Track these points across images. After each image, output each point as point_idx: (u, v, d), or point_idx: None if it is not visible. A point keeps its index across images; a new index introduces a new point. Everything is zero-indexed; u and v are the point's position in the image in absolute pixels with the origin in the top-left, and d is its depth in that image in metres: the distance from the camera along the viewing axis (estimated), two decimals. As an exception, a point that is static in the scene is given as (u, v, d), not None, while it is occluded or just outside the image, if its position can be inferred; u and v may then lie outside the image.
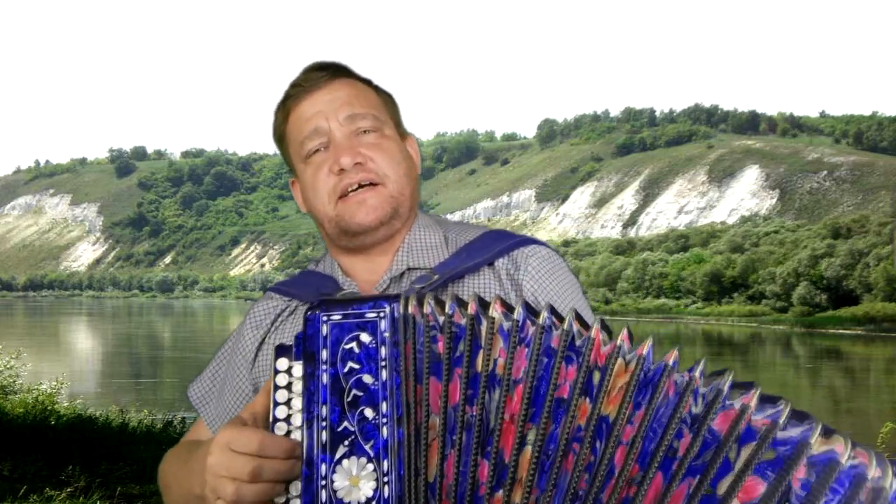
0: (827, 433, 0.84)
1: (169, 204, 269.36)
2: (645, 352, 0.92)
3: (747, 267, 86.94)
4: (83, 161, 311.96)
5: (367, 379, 0.98)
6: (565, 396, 0.93)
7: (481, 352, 0.97)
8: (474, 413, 0.96)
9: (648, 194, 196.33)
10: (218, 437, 1.05)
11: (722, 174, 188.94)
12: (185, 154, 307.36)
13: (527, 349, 0.96)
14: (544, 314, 0.96)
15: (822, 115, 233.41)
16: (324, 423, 0.98)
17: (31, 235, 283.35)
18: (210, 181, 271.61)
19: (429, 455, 0.97)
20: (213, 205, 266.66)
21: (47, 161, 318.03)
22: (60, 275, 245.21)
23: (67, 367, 25.70)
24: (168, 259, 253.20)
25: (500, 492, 0.95)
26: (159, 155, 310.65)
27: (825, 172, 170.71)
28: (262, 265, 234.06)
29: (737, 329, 73.97)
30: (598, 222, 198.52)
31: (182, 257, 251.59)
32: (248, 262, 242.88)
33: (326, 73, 1.36)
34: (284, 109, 1.38)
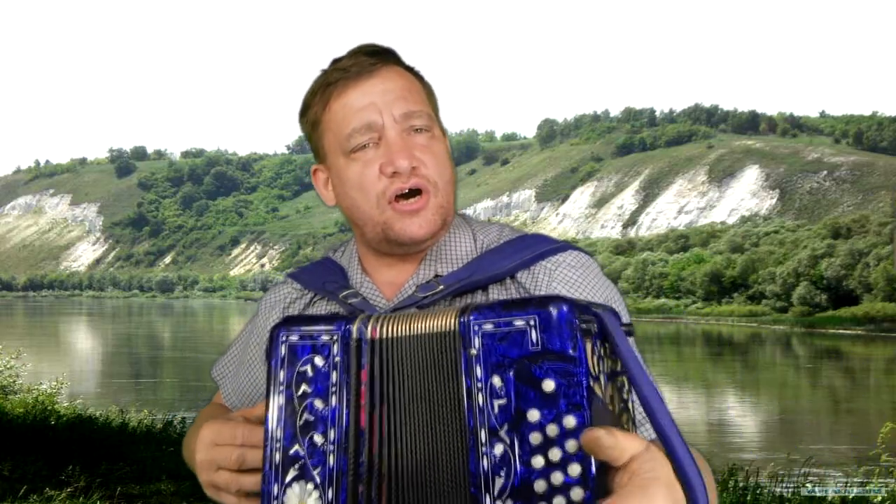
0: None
1: (169, 204, 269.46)
2: (378, 335, 0.99)
3: (747, 267, 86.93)
4: (83, 161, 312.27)
5: (319, 404, 0.98)
6: (363, 402, 0.98)
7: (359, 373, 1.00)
8: (365, 437, 0.98)
9: (648, 194, 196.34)
10: (202, 434, 1.08)
11: (722, 174, 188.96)
12: (185, 154, 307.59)
13: (365, 361, 1.00)
14: (356, 325, 1.00)
15: (822, 115, 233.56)
16: (277, 445, 0.99)
17: (31, 235, 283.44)
18: (210, 181, 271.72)
19: (382, 486, 0.97)
20: (213, 205, 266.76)
21: (47, 161, 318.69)
22: (60, 275, 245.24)
23: (67, 367, 25.73)
24: (168, 259, 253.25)
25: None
26: (159, 155, 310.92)
27: (825, 172, 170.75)
28: (262, 265, 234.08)
29: (737, 329, 73.98)
30: (598, 222, 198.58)
31: (182, 257, 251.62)
32: (248, 262, 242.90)
33: (377, 59, 1.23)
34: (325, 94, 1.24)
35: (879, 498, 6.62)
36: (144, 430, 10.12)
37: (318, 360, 0.99)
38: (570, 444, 0.84)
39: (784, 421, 26.33)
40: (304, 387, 0.99)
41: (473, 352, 0.90)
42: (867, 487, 7.15)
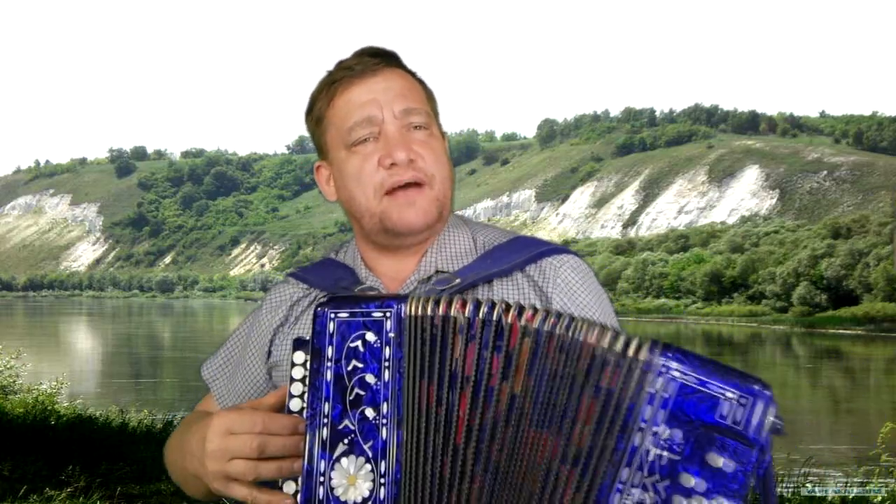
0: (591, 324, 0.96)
1: (169, 204, 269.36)
2: (536, 324, 0.96)
3: (747, 267, 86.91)
4: (83, 161, 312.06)
5: (370, 378, 0.99)
6: (494, 385, 0.97)
7: (448, 352, 0.99)
8: (441, 413, 0.99)
9: (648, 194, 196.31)
10: (214, 423, 1.06)
11: (722, 174, 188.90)
12: (185, 154, 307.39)
13: (474, 344, 0.98)
14: (484, 308, 0.99)
15: (822, 115, 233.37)
16: (325, 420, 0.99)
17: (31, 235, 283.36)
18: (210, 181, 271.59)
19: (417, 457, 0.99)
20: (213, 205, 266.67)
21: (47, 161, 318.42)
22: (60, 275, 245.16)
23: (67, 367, 25.69)
24: (168, 259, 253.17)
25: (456, 487, 0.98)
26: (159, 155, 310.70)
27: (825, 172, 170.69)
28: (262, 265, 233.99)
29: (737, 329, 73.96)
30: (598, 222, 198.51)
31: (182, 257, 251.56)
32: (248, 262, 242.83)
33: (380, 59, 1.30)
34: (330, 91, 1.30)
35: (879, 498, 6.61)
36: (144, 430, 10.11)
37: (370, 336, 1.00)
38: None
39: (784, 421, 26.26)
40: (354, 362, 0.99)
41: (659, 393, 0.89)
42: (867, 487, 7.14)
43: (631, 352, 0.91)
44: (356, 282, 1.30)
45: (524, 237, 1.34)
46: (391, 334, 1.00)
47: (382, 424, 0.97)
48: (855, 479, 7.77)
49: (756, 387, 0.86)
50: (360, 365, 0.99)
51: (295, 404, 1.03)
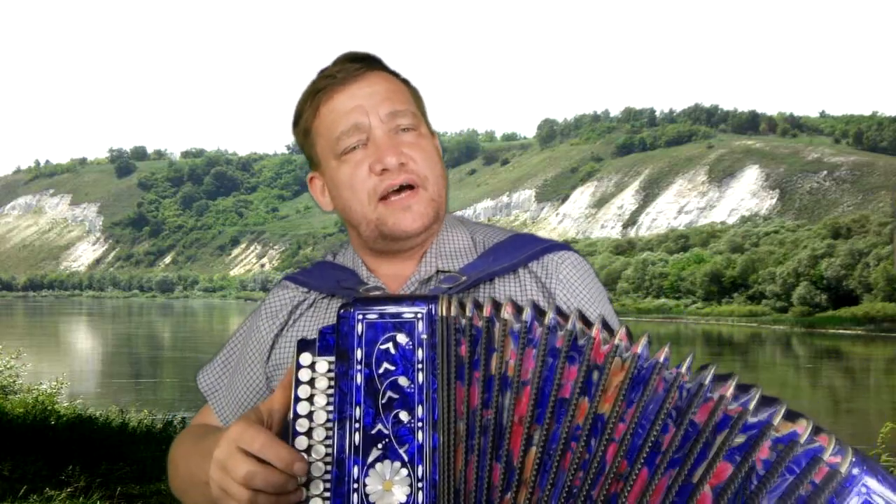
0: (791, 416, 0.88)
1: (169, 204, 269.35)
2: (640, 350, 0.93)
3: (747, 267, 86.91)
4: (83, 161, 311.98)
5: (403, 381, 0.97)
6: (567, 396, 0.94)
7: (495, 354, 0.96)
8: (489, 416, 0.95)
9: (648, 194, 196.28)
10: (230, 430, 1.01)
11: (722, 174, 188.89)
12: (185, 154, 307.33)
13: (534, 350, 0.95)
14: (550, 315, 0.96)
15: (822, 115, 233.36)
16: (357, 425, 0.96)
17: (31, 235, 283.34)
18: (210, 181, 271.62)
19: (455, 461, 0.96)
20: (213, 205, 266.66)
21: (47, 161, 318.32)
22: (60, 275, 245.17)
23: (67, 367, 25.70)
24: (168, 259, 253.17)
25: (509, 494, 0.95)
26: (159, 155, 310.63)
27: (825, 172, 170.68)
28: (262, 265, 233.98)
29: (737, 329, 73.96)
30: (598, 222, 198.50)
31: (182, 257, 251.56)
32: (248, 262, 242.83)
33: (362, 64, 1.27)
34: (314, 101, 1.28)
35: (879, 498, 6.60)
36: (144, 430, 10.11)
37: (402, 338, 0.98)
38: None
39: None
40: (385, 365, 0.97)
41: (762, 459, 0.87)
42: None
43: (803, 439, 0.87)
44: (359, 282, 1.27)
45: (522, 235, 1.33)
46: (423, 336, 0.97)
47: (418, 428, 0.95)
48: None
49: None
50: (392, 367, 0.97)
51: (302, 408, 1.00)
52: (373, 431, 0.96)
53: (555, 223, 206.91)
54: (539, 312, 0.97)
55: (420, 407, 0.96)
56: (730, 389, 0.89)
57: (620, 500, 0.90)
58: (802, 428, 0.86)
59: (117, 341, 61.19)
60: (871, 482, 0.83)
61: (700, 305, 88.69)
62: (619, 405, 0.92)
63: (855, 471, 0.83)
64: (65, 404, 11.86)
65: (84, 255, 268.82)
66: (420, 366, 0.97)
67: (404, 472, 0.95)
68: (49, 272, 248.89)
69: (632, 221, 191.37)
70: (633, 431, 0.91)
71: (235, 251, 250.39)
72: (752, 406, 0.88)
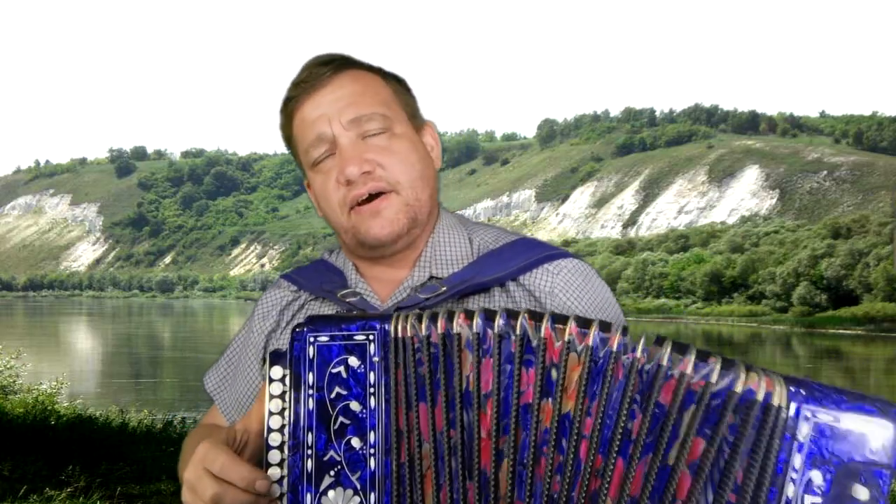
0: (749, 369, 0.89)
1: (169, 204, 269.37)
2: (591, 342, 0.91)
3: (747, 267, 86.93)
4: (83, 161, 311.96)
5: (355, 406, 0.94)
6: (530, 401, 0.92)
7: (455, 370, 0.94)
8: (456, 436, 0.93)
9: (648, 194, 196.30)
10: (197, 451, 1.01)
11: (722, 174, 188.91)
12: (185, 154, 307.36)
13: (491, 360, 0.93)
14: (499, 321, 0.93)
15: (822, 115, 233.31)
16: (309, 452, 0.94)
17: (31, 235, 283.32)
18: (210, 181, 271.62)
19: (424, 486, 0.94)
20: (213, 205, 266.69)
21: (47, 161, 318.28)
22: (60, 275, 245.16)
23: (67, 367, 25.70)
24: (168, 259, 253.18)
25: None
26: (159, 155, 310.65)
27: (825, 172, 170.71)
28: (262, 265, 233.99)
29: (737, 329, 73.98)
30: (598, 222, 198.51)
31: (182, 257, 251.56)
32: (248, 262, 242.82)
33: (329, 67, 1.23)
34: (287, 111, 1.26)
35: (879, 498, 6.60)
36: (144, 430, 10.10)
37: (353, 361, 0.95)
38: None
39: None
40: (337, 389, 0.95)
41: (800, 439, 0.85)
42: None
43: (760, 395, 0.86)
44: (341, 286, 1.25)
45: (523, 240, 1.27)
46: (375, 358, 0.95)
47: (370, 455, 0.93)
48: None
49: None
50: (344, 392, 0.94)
51: (275, 422, 0.99)
52: (325, 458, 0.94)
53: (555, 223, 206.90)
54: (489, 317, 0.94)
55: (372, 433, 0.94)
56: (689, 365, 0.89)
57: (601, 496, 0.89)
58: (756, 383, 0.87)
59: (117, 341, 61.20)
60: (812, 407, 0.84)
61: (700, 305, 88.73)
62: (583, 400, 0.90)
63: (794, 404, 0.85)
64: (65, 404, 11.85)
65: (84, 255, 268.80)
66: (372, 390, 0.94)
67: (357, 499, 0.93)
68: (49, 272, 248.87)
69: (632, 221, 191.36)
70: (602, 424, 0.89)
71: (235, 251, 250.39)
72: (714, 378, 0.88)
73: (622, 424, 0.89)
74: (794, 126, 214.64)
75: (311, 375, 0.95)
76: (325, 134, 1.21)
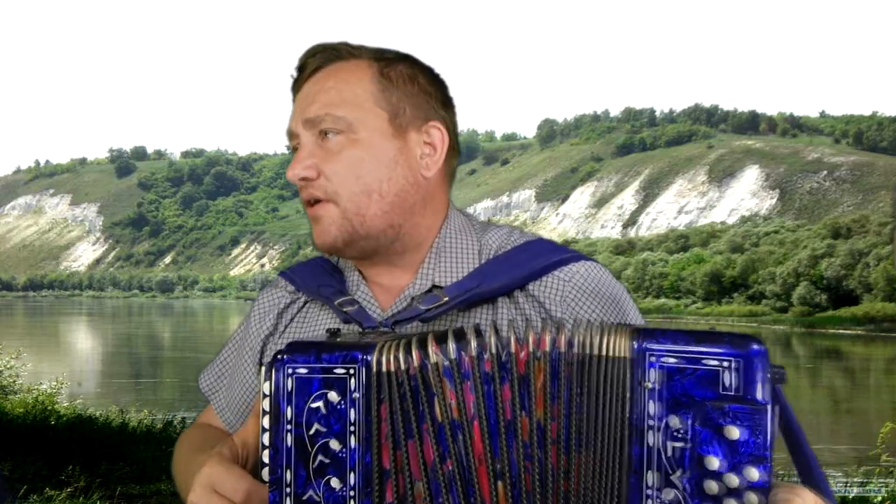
0: (588, 328, 0.90)
1: (169, 204, 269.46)
2: (548, 347, 0.89)
3: (747, 267, 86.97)
4: (83, 161, 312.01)
5: (335, 445, 0.90)
6: (510, 417, 0.90)
7: (436, 400, 0.90)
8: (450, 468, 0.90)
9: (648, 194, 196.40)
10: (202, 475, 0.97)
11: (722, 174, 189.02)
12: (185, 154, 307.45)
13: (470, 383, 0.90)
14: (473, 342, 0.91)
15: (822, 115, 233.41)
16: (288, 490, 0.90)
17: (31, 235, 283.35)
18: (210, 181, 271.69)
19: None
20: (213, 205, 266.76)
21: (47, 161, 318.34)
22: (60, 275, 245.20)
23: (67, 367, 25.68)
24: (168, 259, 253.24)
25: None
26: (159, 155, 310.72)
27: (825, 172, 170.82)
28: (262, 265, 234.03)
29: (737, 329, 72.85)
30: (598, 222, 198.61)
31: (182, 257, 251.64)
32: (248, 262, 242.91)
33: (316, 59, 1.18)
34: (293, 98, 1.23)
35: (879, 498, 6.61)
36: (144, 430, 10.10)
37: (334, 396, 0.90)
38: (751, 497, 0.79)
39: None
40: (316, 426, 0.90)
41: (649, 385, 0.83)
42: (867, 487, 7.15)
43: (616, 352, 0.86)
44: (340, 291, 1.18)
45: (537, 242, 1.20)
46: (356, 395, 0.89)
47: (350, 496, 0.89)
48: (855, 479, 7.78)
49: (752, 346, 0.81)
50: (323, 429, 0.90)
51: (268, 439, 0.95)
52: (304, 497, 0.90)
53: (555, 223, 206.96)
54: (460, 339, 0.91)
55: (352, 474, 0.89)
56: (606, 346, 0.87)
57: (572, 497, 0.88)
58: (596, 341, 0.87)
59: (117, 341, 61.15)
60: (658, 351, 0.84)
61: (700, 305, 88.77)
62: (548, 406, 0.89)
63: (638, 353, 0.84)
64: (65, 404, 11.85)
65: (84, 255, 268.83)
66: (353, 428, 0.90)
67: None
68: (49, 272, 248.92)
69: (632, 221, 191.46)
70: (563, 425, 0.88)
71: (235, 251, 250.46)
72: (626, 355, 0.86)
73: (574, 420, 0.88)
74: (794, 126, 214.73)
75: (289, 409, 0.91)
76: (291, 131, 1.18)
